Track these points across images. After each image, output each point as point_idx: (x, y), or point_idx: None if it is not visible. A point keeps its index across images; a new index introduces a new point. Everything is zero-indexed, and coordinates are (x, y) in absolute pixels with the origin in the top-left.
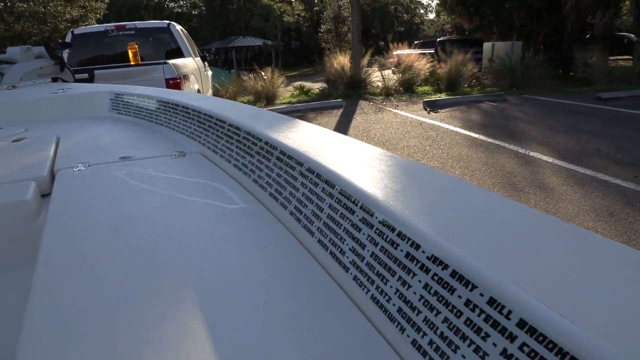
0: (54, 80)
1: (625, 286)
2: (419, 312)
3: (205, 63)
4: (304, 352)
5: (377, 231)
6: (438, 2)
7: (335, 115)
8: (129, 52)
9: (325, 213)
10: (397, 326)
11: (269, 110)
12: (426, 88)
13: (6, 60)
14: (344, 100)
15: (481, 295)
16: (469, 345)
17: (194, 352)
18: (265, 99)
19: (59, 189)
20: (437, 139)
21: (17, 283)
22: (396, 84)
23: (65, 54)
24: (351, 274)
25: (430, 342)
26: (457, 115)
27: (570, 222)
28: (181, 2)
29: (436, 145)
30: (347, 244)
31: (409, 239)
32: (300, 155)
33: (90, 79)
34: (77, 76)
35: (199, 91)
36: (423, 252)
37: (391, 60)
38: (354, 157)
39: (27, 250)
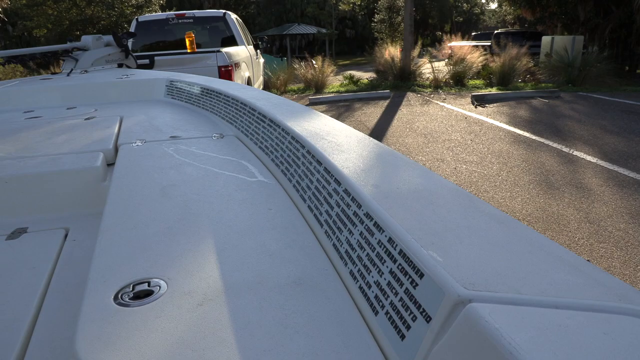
0: (119, 66)
1: (476, 232)
2: (355, 250)
3: (258, 51)
4: (282, 274)
5: (341, 197)
6: None
7: (381, 106)
8: (186, 40)
9: (314, 185)
10: (343, 261)
11: (317, 97)
12: (477, 82)
13: (80, 48)
14: (391, 92)
15: (385, 236)
16: (374, 266)
17: (208, 269)
18: (315, 87)
19: (121, 160)
20: (479, 134)
21: (89, 227)
22: (446, 77)
23: (130, 42)
24: (324, 228)
25: (358, 265)
26: (505, 110)
27: (601, 224)
28: None
29: (478, 140)
30: (324, 207)
31: (355, 201)
32: (303, 139)
33: (151, 65)
34: (139, 61)
35: (249, 79)
36: (362, 210)
37: (445, 50)
38: (343, 143)
39: (96, 204)
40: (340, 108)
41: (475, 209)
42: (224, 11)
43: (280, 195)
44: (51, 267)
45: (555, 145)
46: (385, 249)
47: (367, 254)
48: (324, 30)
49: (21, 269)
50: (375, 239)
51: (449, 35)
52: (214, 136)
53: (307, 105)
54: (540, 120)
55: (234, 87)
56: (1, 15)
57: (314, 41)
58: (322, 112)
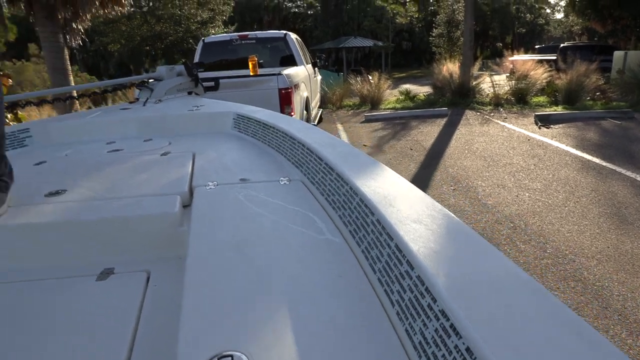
0: (189, 93)
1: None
2: (430, 346)
3: (316, 69)
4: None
5: (414, 284)
6: (566, 2)
7: (438, 125)
8: (250, 63)
9: (384, 259)
10: (417, 353)
11: (373, 114)
12: (541, 99)
13: (155, 78)
14: (449, 109)
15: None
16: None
17: (273, 326)
18: (371, 103)
19: (197, 205)
20: (544, 158)
21: (168, 271)
22: (508, 94)
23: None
24: (395, 309)
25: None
26: (572, 132)
27: None
28: (298, 2)
29: (542, 164)
30: (396, 287)
31: (429, 293)
32: (373, 205)
33: (216, 87)
34: (205, 84)
35: (307, 98)
36: (437, 306)
37: (506, 63)
38: (412, 213)
39: (174, 248)
40: (396, 126)
41: (559, 319)
42: (284, 32)
43: (349, 259)
44: (137, 313)
45: (628, 173)
46: (463, 358)
47: (444, 355)
48: (380, 43)
49: (110, 312)
50: (452, 342)
51: (510, 47)
52: (281, 180)
53: (362, 122)
54: (611, 144)
55: (298, 127)
56: (83, 36)
57: (370, 54)
58: (377, 129)
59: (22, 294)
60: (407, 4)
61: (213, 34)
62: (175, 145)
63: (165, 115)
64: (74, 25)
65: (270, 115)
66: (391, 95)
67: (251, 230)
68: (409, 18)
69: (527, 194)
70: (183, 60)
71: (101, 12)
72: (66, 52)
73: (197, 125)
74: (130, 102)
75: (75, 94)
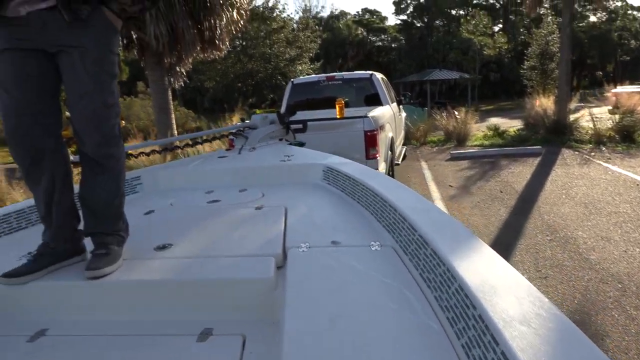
0: (280, 140)
1: None
2: None
3: (400, 106)
4: None
5: None
6: None
7: (531, 165)
8: (337, 106)
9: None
10: None
11: (459, 152)
12: None
13: (250, 126)
14: (543, 147)
15: None
16: None
17: None
18: (456, 139)
19: (291, 268)
20: None
21: (263, 336)
22: (611, 130)
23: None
24: None
25: None
26: None
27: None
28: (382, 36)
29: None
30: None
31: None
32: (474, 298)
33: (304, 129)
34: (294, 126)
35: (392, 139)
36: None
37: (608, 95)
38: (519, 311)
39: (268, 312)
40: (485, 165)
41: None
42: (370, 73)
43: (448, 352)
44: None
45: None
46: None
47: None
48: (467, 76)
49: None
50: None
51: (612, 77)
52: (372, 245)
53: (447, 160)
54: None
55: (388, 186)
56: (185, 78)
57: (456, 85)
58: (464, 168)
59: (128, 347)
60: (496, 34)
61: (300, 70)
62: (268, 198)
63: (259, 166)
64: (178, 69)
65: (359, 170)
66: (478, 130)
67: (345, 304)
68: (497, 50)
69: (638, 250)
70: (277, 110)
71: (201, 55)
72: (170, 92)
73: (288, 176)
74: (227, 149)
75: (178, 143)
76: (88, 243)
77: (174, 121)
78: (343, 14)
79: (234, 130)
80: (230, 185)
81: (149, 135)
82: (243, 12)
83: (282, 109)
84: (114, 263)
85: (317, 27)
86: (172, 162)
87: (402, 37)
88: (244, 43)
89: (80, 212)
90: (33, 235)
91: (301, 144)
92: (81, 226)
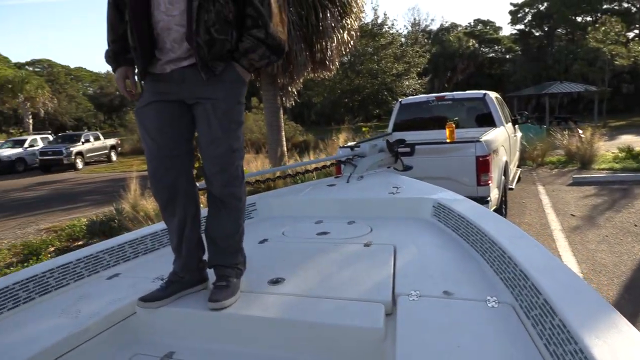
0: (388, 167)
1: None
2: None
3: (516, 127)
4: None
5: None
6: None
7: None
8: (447, 130)
9: None
10: None
11: (583, 176)
12: None
13: (359, 154)
14: None
15: None
16: None
17: None
18: (580, 161)
19: (401, 319)
20: None
21: None
22: None
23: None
24: None
25: None
26: None
27: None
28: (496, 47)
29: None
30: None
31: None
32: None
33: (411, 152)
34: (400, 150)
35: (506, 163)
36: None
37: None
38: None
39: None
40: (615, 192)
41: None
42: (483, 92)
43: None
44: None
45: None
46: None
47: None
48: (593, 88)
49: None
50: None
51: None
52: (489, 301)
53: (569, 184)
54: None
55: (507, 234)
56: (295, 97)
57: (579, 99)
58: (589, 195)
59: None
60: (631, 42)
61: (407, 85)
62: (377, 234)
63: (367, 199)
64: (289, 89)
65: (473, 210)
66: (607, 151)
67: None
68: (632, 60)
69: None
70: (386, 139)
71: (311, 75)
72: (281, 111)
73: (396, 210)
74: (335, 177)
75: (290, 171)
76: (210, 272)
77: (283, 138)
78: (454, 26)
79: (343, 159)
80: (338, 217)
81: (260, 150)
82: (353, 32)
83: (389, 129)
84: (233, 296)
85: (425, 40)
86: (284, 190)
87: (517, 48)
88: (351, 59)
89: (205, 244)
90: (164, 256)
91: (408, 168)
92: (205, 256)
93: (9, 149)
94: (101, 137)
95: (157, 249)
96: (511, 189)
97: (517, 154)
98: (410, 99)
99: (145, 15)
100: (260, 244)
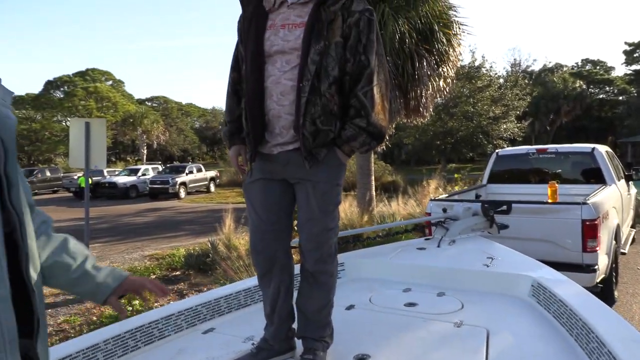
0: (482, 231)
1: None
2: None
3: (630, 183)
4: None
5: None
6: None
7: None
8: (549, 189)
9: None
10: None
11: None
12: None
13: (451, 217)
14: None
15: None
16: None
17: None
18: None
19: None
20: None
21: None
22: None
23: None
24: None
25: None
26: None
27: None
28: (607, 88)
29: None
30: None
31: None
32: None
33: (507, 211)
34: (497, 209)
35: (617, 226)
36: None
37: None
38: None
39: None
40: None
41: None
42: (592, 146)
43: None
44: None
45: None
46: None
47: None
48: None
49: None
50: None
51: None
52: None
53: None
54: None
55: (622, 335)
56: (387, 142)
57: None
58: None
59: None
60: None
61: (505, 129)
62: (468, 312)
63: (459, 269)
64: None
65: (578, 297)
66: None
67: None
68: None
69: None
70: (483, 204)
71: (405, 121)
72: (372, 155)
73: (491, 285)
74: (426, 238)
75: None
76: (298, 341)
77: (373, 182)
78: (558, 66)
79: (434, 222)
80: (428, 285)
81: (349, 189)
82: (450, 80)
83: (484, 180)
84: None
85: (526, 82)
86: (373, 250)
87: (632, 89)
88: (446, 101)
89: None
90: (255, 313)
91: (504, 227)
92: (295, 325)
93: (125, 176)
94: (203, 169)
95: (249, 305)
96: (623, 253)
97: (632, 212)
98: (508, 150)
99: (259, 104)
100: (347, 310)
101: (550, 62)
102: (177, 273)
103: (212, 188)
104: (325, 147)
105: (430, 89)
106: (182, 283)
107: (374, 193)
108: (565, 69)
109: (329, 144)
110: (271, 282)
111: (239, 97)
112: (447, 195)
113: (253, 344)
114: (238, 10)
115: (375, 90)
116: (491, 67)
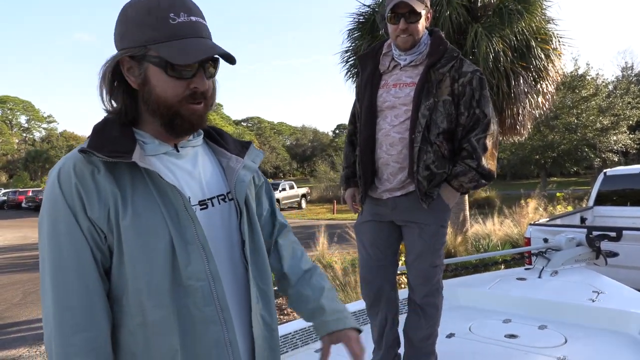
0: (587, 262)
1: None
2: None
3: None
4: None
5: None
6: None
7: None
8: None
9: None
10: None
11: None
12: None
13: (553, 247)
14: None
15: None
16: None
17: None
18: None
19: None
20: None
21: None
22: None
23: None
24: None
25: None
26: None
27: None
28: None
29: None
30: None
31: None
32: None
33: (618, 238)
34: (605, 233)
35: None
36: None
37: None
38: None
39: None
40: None
41: None
42: None
43: None
44: None
45: None
46: None
47: None
48: None
49: None
50: None
51: None
52: None
53: None
54: None
55: None
56: None
57: None
58: None
59: None
60: None
61: (615, 141)
62: (572, 347)
63: (562, 302)
64: None
65: None
66: None
67: None
68: None
69: None
70: (588, 234)
71: (501, 139)
72: None
73: (596, 320)
74: (526, 268)
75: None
76: None
77: (467, 202)
78: None
79: (535, 252)
80: (529, 317)
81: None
82: (550, 95)
83: (590, 202)
84: None
85: None
86: (472, 278)
87: None
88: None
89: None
90: (362, 335)
91: (613, 255)
92: (400, 350)
93: None
94: (295, 186)
95: None
96: None
97: None
98: (618, 169)
99: (370, 152)
100: (448, 338)
101: None
102: (274, 289)
103: (304, 204)
104: (438, 186)
105: (528, 106)
106: (281, 298)
107: (467, 213)
108: None
109: (440, 183)
110: (378, 313)
111: (354, 146)
112: (548, 218)
113: None
114: (327, 32)
115: (489, 139)
116: (597, 74)
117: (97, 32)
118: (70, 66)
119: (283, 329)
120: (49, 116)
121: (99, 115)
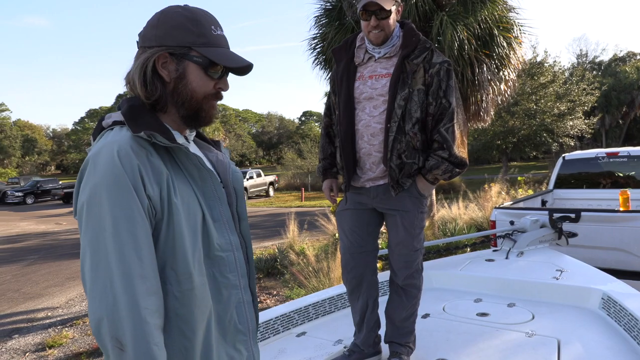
0: (550, 243)
1: None
2: None
3: None
4: None
5: None
6: None
7: None
8: (620, 197)
9: None
10: None
11: None
12: None
13: (519, 230)
14: None
15: None
16: None
17: None
18: None
19: None
20: None
21: None
22: None
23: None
24: None
25: None
26: None
27: None
28: None
29: None
30: None
31: None
32: None
33: (576, 219)
34: (565, 214)
35: None
36: None
37: None
38: None
39: None
40: None
41: None
42: None
43: None
44: None
45: None
46: None
47: None
48: None
49: None
50: None
51: None
52: None
53: None
54: None
55: None
56: None
57: None
58: None
59: None
60: None
61: (571, 126)
62: (539, 322)
63: (529, 282)
64: None
65: None
66: None
67: None
68: None
69: None
70: (551, 215)
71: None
72: None
73: (560, 297)
74: (494, 250)
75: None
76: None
77: (434, 195)
78: (631, 55)
79: (502, 234)
80: (498, 296)
81: None
82: (512, 83)
83: (550, 185)
84: None
85: (594, 74)
86: (443, 261)
87: None
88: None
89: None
90: (339, 319)
91: (573, 235)
92: (381, 331)
93: None
94: (262, 174)
95: (333, 312)
96: None
97: None
98: (575, 154)
99: (351, 143)
100: (424, 318)
101: (621, 51)
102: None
103: (271, 192)
104: (411, 177)
105: (491, 93)
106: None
107: (434, 198)
108: (639, 57)
109: (414, 175)
110: (360, 297)
111: (330, 138)
112: (511, 202)
113: (345, 347)
114: (294, 19)
115: (456, 127)
116: (555, 61)
117: (51, 16)
118: (22, 51)
119: (264, 315)
120: (1, 104)
121: (59, 104)
